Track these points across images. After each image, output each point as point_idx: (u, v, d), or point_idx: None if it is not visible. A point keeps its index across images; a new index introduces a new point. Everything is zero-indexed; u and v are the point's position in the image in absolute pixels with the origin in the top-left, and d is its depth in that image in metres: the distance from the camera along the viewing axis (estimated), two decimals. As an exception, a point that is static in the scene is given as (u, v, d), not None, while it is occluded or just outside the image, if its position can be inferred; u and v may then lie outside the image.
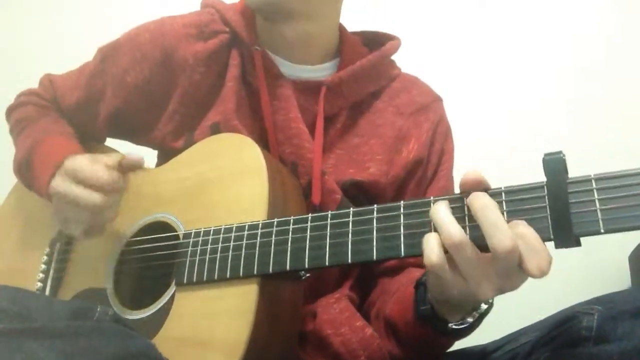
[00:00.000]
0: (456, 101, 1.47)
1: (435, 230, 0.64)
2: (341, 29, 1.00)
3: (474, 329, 0.73)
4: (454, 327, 0.72)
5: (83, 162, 0.85)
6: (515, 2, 1.58)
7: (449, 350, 0.88)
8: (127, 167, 0.87)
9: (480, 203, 0.61)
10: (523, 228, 0.60)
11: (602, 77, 1.50)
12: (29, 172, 0.97)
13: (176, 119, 0.95)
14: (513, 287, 0.63)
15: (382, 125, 0.95)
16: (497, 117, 1.54)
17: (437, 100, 1.02)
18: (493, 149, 1.50)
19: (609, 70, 1.50)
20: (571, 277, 1.41)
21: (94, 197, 0.83)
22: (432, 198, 0.68)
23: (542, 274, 0.59)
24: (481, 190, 0.64)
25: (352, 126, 0.95)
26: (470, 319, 0.71)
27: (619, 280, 1.38)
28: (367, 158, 0.93)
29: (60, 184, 0.85)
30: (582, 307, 0.70)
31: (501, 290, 0.63)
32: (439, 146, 0.97)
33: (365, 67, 0.95)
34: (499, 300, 1.47)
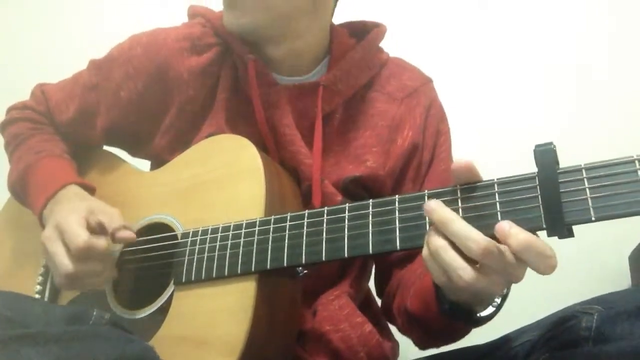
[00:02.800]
0: (458, 98, 1.49)
1: (430, 224, 0.65)
2: (330, 27, 0.98)
3: (500, 310, 0.72)
4: (482, 315, 0.70)
5: (72, 220, 0.83)
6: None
7: (449, 349, 0.88)
8: (117, 240, 0.85)
9: (437, 219, 0.62)
10: (523, 235, 0.59)
11: (602, 75, 1.50)
12: (23, 196, 0.98)
13: (171, 133, 0.95)
14: (518, 279, 0.63)
15: (375, 115, 0.95)
16: (497, 114, 1.54)
17: (428, 82, 1.01)
18: (494, 145, 1.50)
19: (609, 67, 1.51)
20: (571, 277, 1.40)
21: (65, 265, 0.81)
22: (426, 192, 0.68)
23: (554, 269, 0.60)
24: (472, 180, 0.65)
25: (347, 121, 0.95)
26: (495, 304, 0.70)
27: (619, 280, 1.38)
28: (364, 151, 0.93)
29: (49, 234, 0.84)
30: (581, 307, 0.71)
31: (509, 283, 0.65)
32: (433, 129, 0.97)
33: (356, 59, 0.95)
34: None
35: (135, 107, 0.96)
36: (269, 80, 0.92)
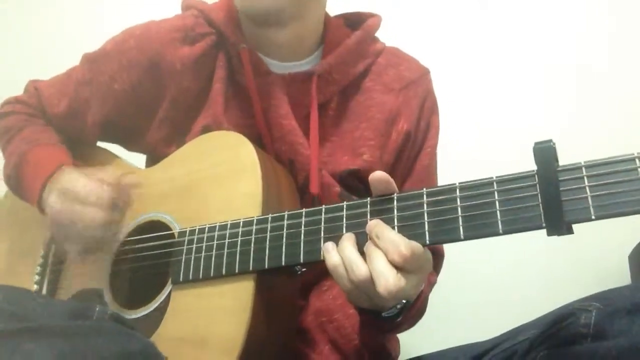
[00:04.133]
0: (458, 97, 1.48)
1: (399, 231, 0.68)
2: (325, 17, 0.98)
3: (403, 313, 0.77)
4: (385, 315, 0.75)
5: (82, 181, 0.84)
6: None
7: (447, 348, 0.88)
8: (128, 186, 0.86)
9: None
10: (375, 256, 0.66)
11: (602, 74, 1.50)
12: (19, 185, 0.98)
13: (167, 125, 0.94)
14: (407, 296, 0.69)
15: (372, 107, 0.95)
16: (497, 113, 1.54)
17: (425, 73, 1.01)
18: (493, 144, 1.50)
19: (609, 67, 1.50)
20: (571, 276, 1.41)
21: (97, 214, 0.82)
22: (424, 190, 0.68)
23: (389, 294, 0.65)
24: (388, 192, 0.70)
25: (343, 111, 0.94)
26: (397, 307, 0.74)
27: (618, 279, 1.38)
28: (360, 144, 0.93)
29: (57, 201, 0.84)
30: (579, 304, 0.71)
31: (397, 299, 0.70)
32: (425, 122, 0.97)
33: (351, 47, 0.94)
34: (499, 298, 1.47)
35: (129, 100, 0.95)
36: (263, 70, 0.91)
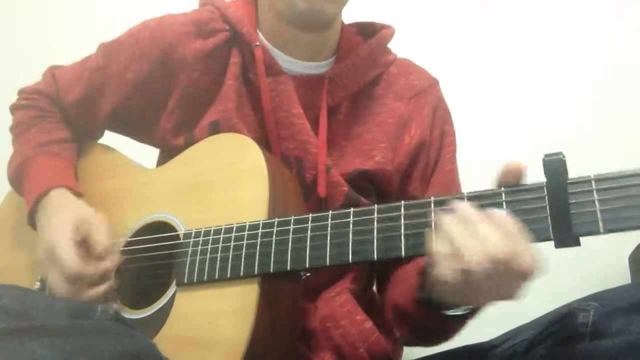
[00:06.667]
0: (457, 99, 1.48)
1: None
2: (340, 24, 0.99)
3: (471, 317, 0.75)
4: (448, 313, 0.73)
5: (61, 244, 0.84)
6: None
7: (448, 349, 0.89)
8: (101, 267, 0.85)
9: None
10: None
11: (604, 76, 1.50)
12: (21, 188, 0.99)
13: (176, 117, 0.95)
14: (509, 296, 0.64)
15: (382, 113, 0.96)
16: (499, 117, 1.53)
17: (435, 83, 1.02)
18: (495, 148, 1.49)
19: (611, 69, 1.50)
20: (571, 277, 1.41)
21: (61, 288, 0.83)
22: (432, 198, 0.68)
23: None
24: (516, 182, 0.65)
25: (353, 116, 0.95)
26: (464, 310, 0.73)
27: (619, 280, 1.38)
28: (372, 147, 0.93)
29: (42, 257, 0.86)
30: (578, 304, 0.72)
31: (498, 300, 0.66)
32: (438, 130, 0.98)
33: (363, 55, 0.95)
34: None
35: (140, 90, 0.96)
36: (276, 69, 0.92)
